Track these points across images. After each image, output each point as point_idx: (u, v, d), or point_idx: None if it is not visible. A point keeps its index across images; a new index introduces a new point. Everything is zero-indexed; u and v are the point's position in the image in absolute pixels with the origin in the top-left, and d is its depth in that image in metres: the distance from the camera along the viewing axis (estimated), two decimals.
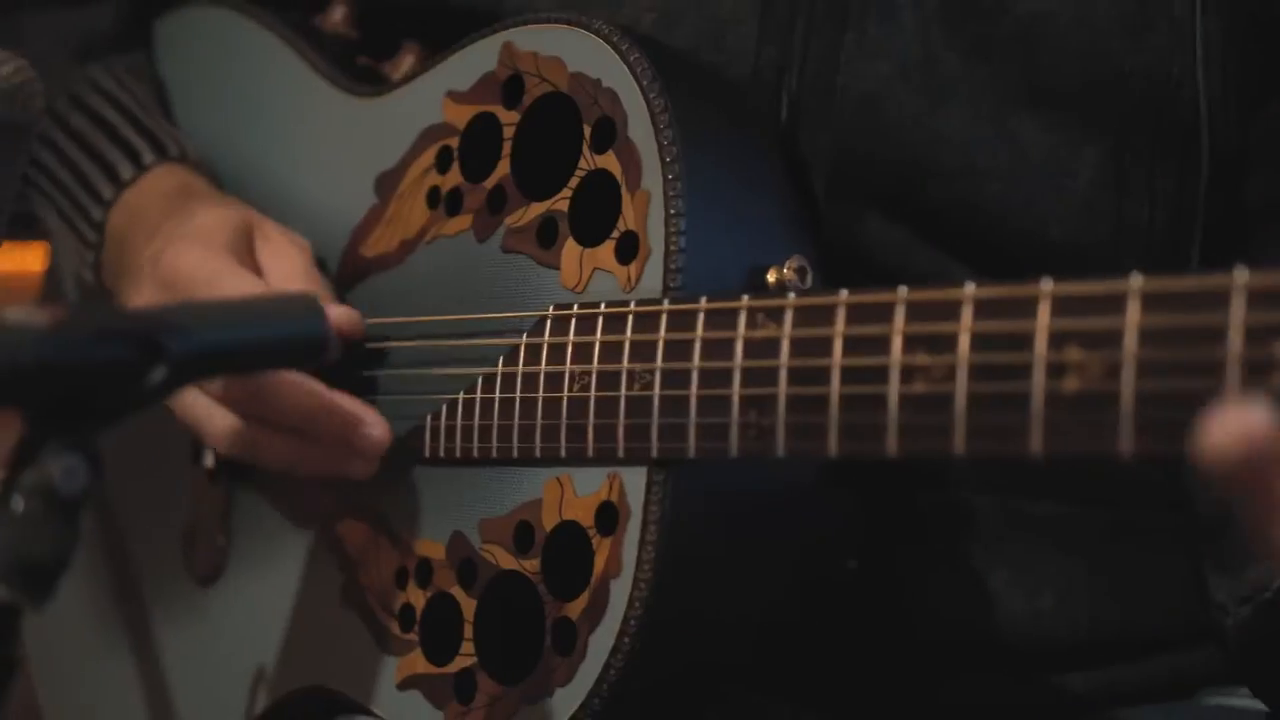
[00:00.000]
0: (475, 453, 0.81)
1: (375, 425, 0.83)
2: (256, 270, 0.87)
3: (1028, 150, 0.81)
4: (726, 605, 0.78)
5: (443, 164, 0.85)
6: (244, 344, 0.69)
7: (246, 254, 0.87)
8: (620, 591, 0.73)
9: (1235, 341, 0.54)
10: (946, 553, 0.86)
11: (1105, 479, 0.87)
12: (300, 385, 0.83)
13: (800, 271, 0.75)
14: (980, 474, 0.85)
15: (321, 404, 0.83)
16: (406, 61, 0.93)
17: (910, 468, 0.85)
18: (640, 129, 0.75)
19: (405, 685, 0.84)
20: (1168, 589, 0.89)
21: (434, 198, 0.85)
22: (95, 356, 0.61)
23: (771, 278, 0.74)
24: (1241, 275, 0.54)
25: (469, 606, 0.81)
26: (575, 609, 0.75)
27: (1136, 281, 0.57)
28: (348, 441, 0.84)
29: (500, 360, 0.80)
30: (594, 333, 0.75)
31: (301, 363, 0.77)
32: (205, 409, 0.85)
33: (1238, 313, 0.54)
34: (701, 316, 0.71)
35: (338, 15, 0.97)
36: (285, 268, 0.86)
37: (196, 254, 0.84)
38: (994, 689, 0.87)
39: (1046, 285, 0.60)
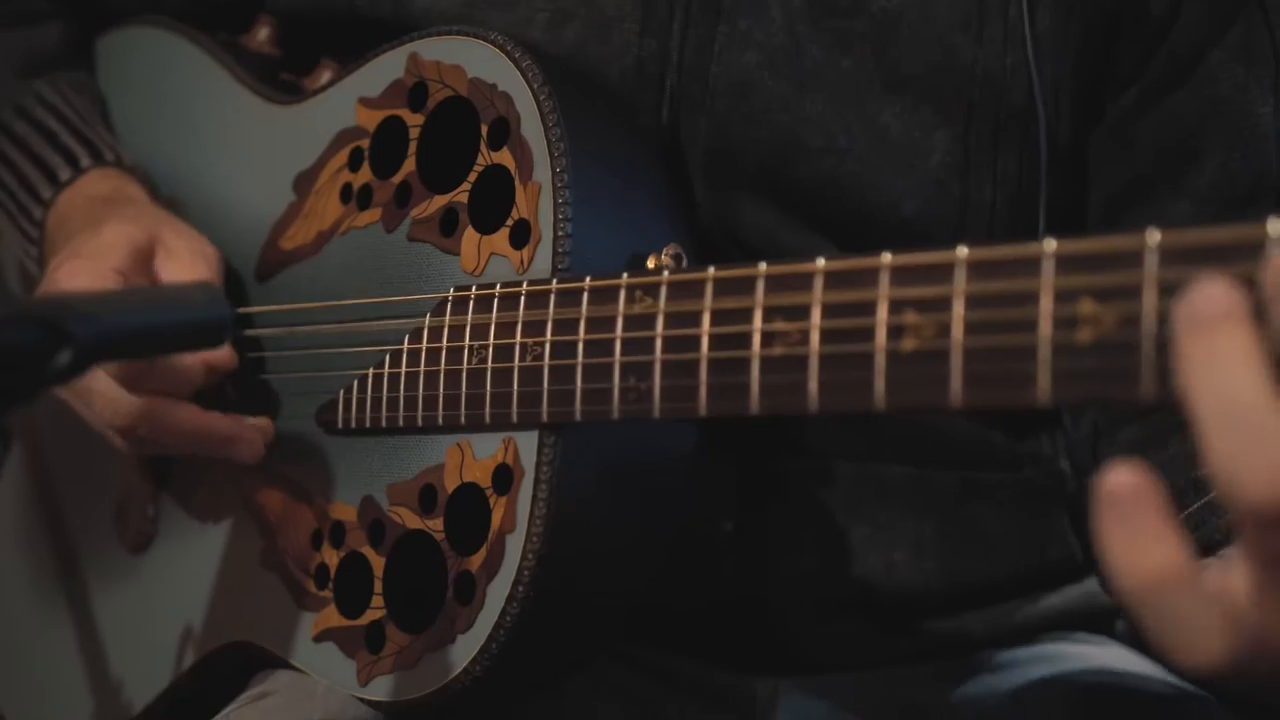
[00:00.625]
0: (384, 422, 0.81)
1: (248, 443, 0.86)
2: (152, 284, 0.87)
3: (885, 133, 0.83)
4: (611, 557, 0.79)
5: (355, 163, 0.86)
6: (146, 328, 0.68)
7: (143, 270, 0.86)
8: (515, 544, 0.75)
9: (1046, 302, 0.56)
10: (812, 514, 0.87)
11: (952, 444, 0.89)
12: (176, 412, 0.84)
13: (676, 258, 0.76)
14: (841, 442, 0.87)
15: (197, 427, 0.85)
16: (324, 76, 0.94)
17: (780, 437, 0.87)
18: (532, 128, 0.77)
19: (320, 638, 0.84)
20: (1011, 543, 0.91)
21: (347, 193, 0.86)
22: (4, 340, 0.61)
23: (651, 263, 0.76)
24: (1050, 244, 0.56)
25: (378, 564, 0.82)
26: (475, 562, 0.76)
27: (963, 252, 0.59)
28: (228, 454, 0.86)
29: (406, 338, 0.80)
30: (490, 311, 0.77)
31: (201, 345, 0.76)
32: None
33: (1048, 276, 0.56)
34: (586, 294, 0.73)
35: (262, 35, 0.98)
36: (184, 279, 0.86)
37: (82, 280, 0.84)
38: (856, 636, 0.89)
39: (886, 258, 0.62)
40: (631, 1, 0.84)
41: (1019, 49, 0.83)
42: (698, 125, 0.84)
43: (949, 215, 0.84)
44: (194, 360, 0.84)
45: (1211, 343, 0.46)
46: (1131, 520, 0.46)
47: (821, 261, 0.64)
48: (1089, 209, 0.87)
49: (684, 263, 0.76)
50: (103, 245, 0.86)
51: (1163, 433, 0.82)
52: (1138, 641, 0.98)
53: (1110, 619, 0.97)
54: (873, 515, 0.87)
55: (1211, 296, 0.46)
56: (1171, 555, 0.45)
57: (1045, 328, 0.56)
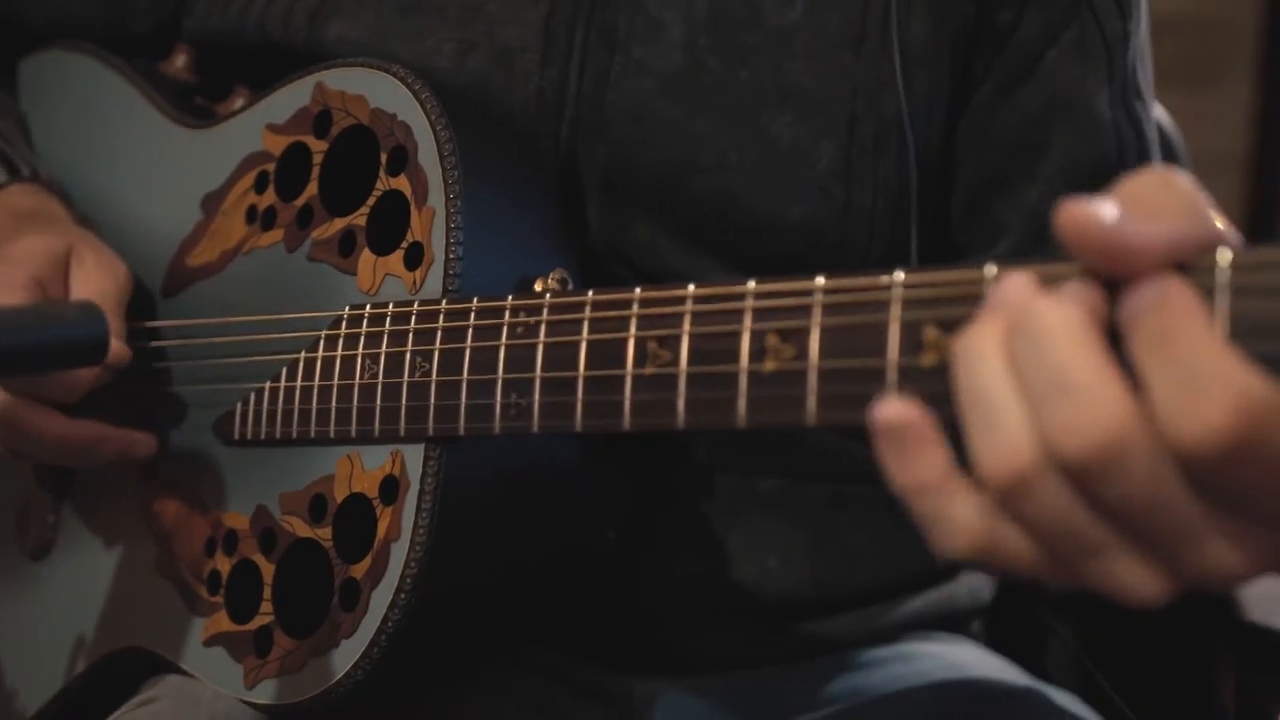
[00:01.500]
0: (278, 435, 0.83)
1: (115, 445, 0.88)
2: (65, 294, 0.88)
3: (775, 143, 0.86)
4: (495, 565, 0.81)
5: (260, 185, 0.88)
6: (25, 345, 0.69)
7: (59, 279, 0.87)
8: (399, 553, 0.76)
9: (894, 330, 0.59)
10: (692, 522, 0.91)
11: (823, 459, 0.92)
12: (37, 419, 0.85)
13: (562, 281, 0.79)
14: (721, 455, 0.90)
15: (61, 434, 0.86)
16: (237, 102, 0.95)
17: (664, 449, 0.89)
18: (428, 156, 0.79)
19: (210, 642, 0.85)
20: (876, 551, 0.95)
21: (252, 214, 0.88)
22: None
23: (538, 286, 0.78)
24: (899, 275, 0.59)
25: (268, 571, 0.83)
26: (360, 570, 0.78)
27: (820, 280, 0.62)
28: (94, 458, 0.88)
29: (302, 353, 0.82)
30: (382, 329, 0.78)
31: (79, 363, 0.77)
32: None
33: (896, 306, 0.59)
34: (473, 314, 0.75)
35: (179, 62, 0.99)
36: (91, 291, 0.87)
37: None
38: (731, 640, 0.93)
39: (750, 284, 0.64)
40: (533, 34, 0.87)
41: (890, 62, 0.87)
42: (596, 151, 0.87)
43: (832, 219, 0.87)
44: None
45: (968, 336, 0.52)
46: (899, 440, 0.53)
47: (692, 287, 0.66)
48: (954, 201, 0.92)
49: (569, 286, 0.79)
50: (24, 252, 0.87)
51: None
52: (992, 640, 1.03)
53: (966, 619, 1.02)
54: (749, 524, 0.91)
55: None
56: (930, 473, 0.52)
57: (893, 352, 0.59)
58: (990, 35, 0.88)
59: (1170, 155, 1.16)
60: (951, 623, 1.01)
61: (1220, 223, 0.51)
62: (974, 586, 1.02)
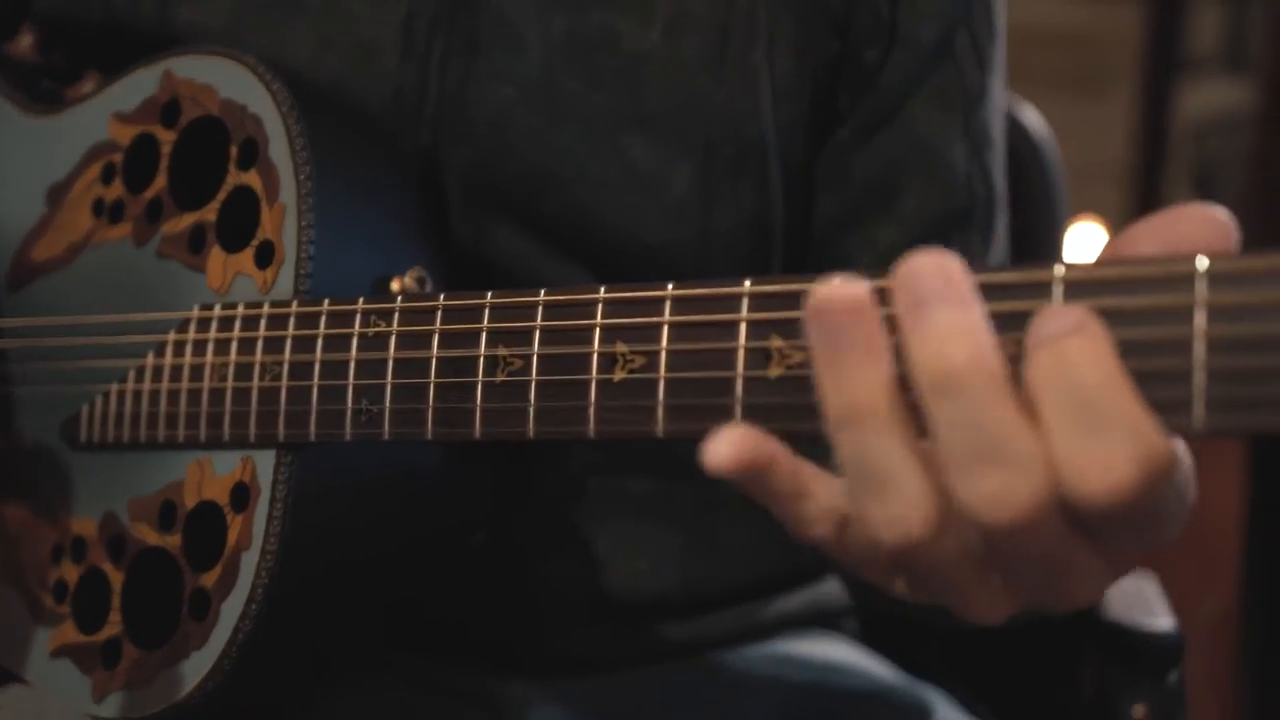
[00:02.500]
0: (126, 438, 0.80)
1: None
2: None
3: (633, 164, 0.85)
4: (351, 574, 0.79)
5: (107, 177, 0.85)
6: None
7: None
8: (249, 562, 0.74)
9: (741, 334, 0.58)
10: (563, 524, 0.89)
11: (693, 460, 0.91)
12: None
13: (420, 281, 0.77)
14: (590, 456, 0.89)
15: None
16: (86, 87, 0.92)
17: (535, 451, 0.88)
18: (279, 150, 0.76)
19: (57, 654, 0.82)
20: (747, 552, 0.94)
21: (99, 207, 0.85)
22: None
23: (395, 286, 0.76)
24: (745, 284, 0.58)
25: (117, 580, 0.80)
26: (210, 579, 0.75)
27: (669, 288, 0.61)
28: None
29: (150, 354, 0.79)
30: (232, 330, 0.76)
31: None
32: None
33: (744, 312, 0.58)
34: (324, 317, 0.73)
35: (25, 42, 0.96)
36: None
37: None
38: (602, 641, 0.92)
39: (601, 291, 0.63)
40: (392, 33, 0.85)
41: (755, 91, 0.86)
42: (457, 154, 0.85)
43: (689, 244, 0.86)
44: None
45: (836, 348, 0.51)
46: (749, 472, 0.53)
47: (542, 293, 0.65)
48: (814, 231, 0.91)
49: (428, 285, 0.77)
50: None
51: None
52: (867, 637, 1.04)
53: (839, 617, 1.02)
54: (619, 526, 0.90)
55: (841, 309, 0.52)
56: (785, 481, 0.53)
57: (740, 362, 0.58)
58: (855, 72, 0.87)
59: (1042, 167, 1.17)
60: (824, 620, 1.01)
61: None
62: (837, 585, 1.02)
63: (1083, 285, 0.50)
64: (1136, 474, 0.45)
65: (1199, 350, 0.47)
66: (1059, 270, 0.51)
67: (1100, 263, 0.50)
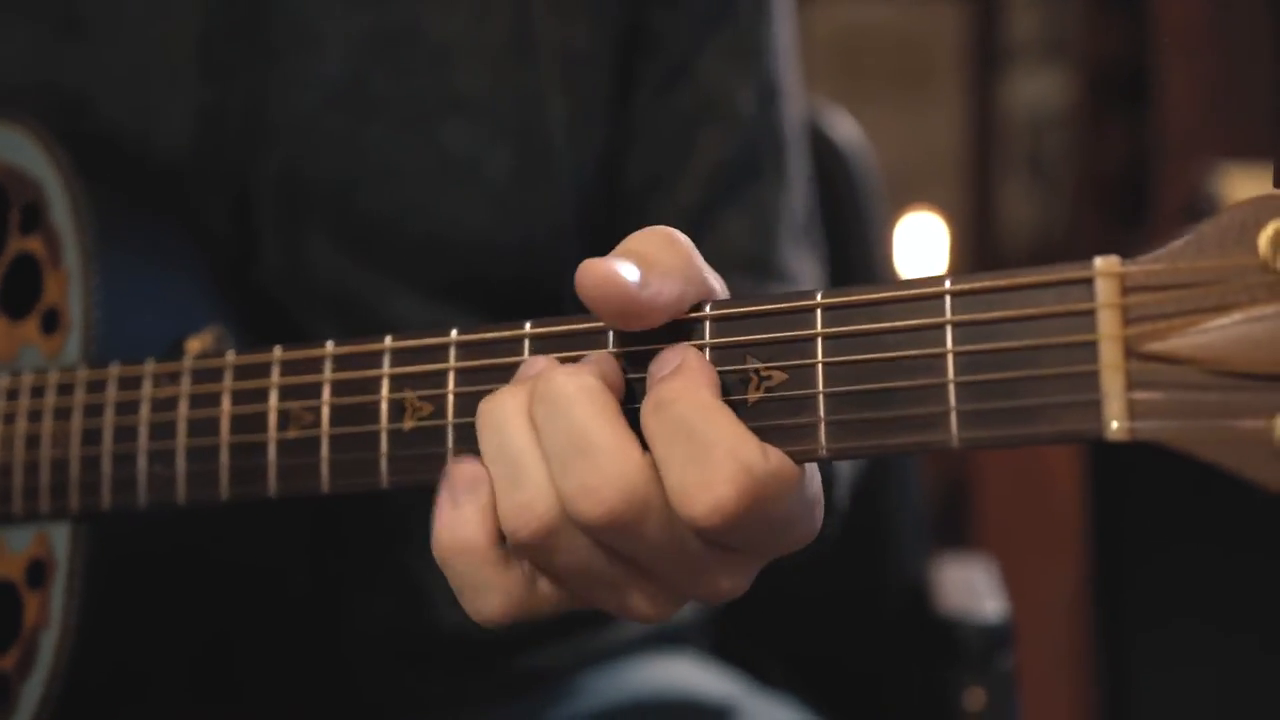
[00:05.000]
0: None
1: None
2: None
3: (448, 152, 0.85)
4: (163, 639, 0.78)
5: None
6: None
7: None
8: (49, 642, 0.72)
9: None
10: (383, 566, 0.89)
11: None
12: None
13: (220, 339, 0.76)
14: (409, 497, 0.88)
15: None
16: None
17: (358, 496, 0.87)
18: (61, 214, 0.75)
19: None
20: None
21: None
22: None
23: (193, 346, 0.75)
24: (528, 326, 0.59)
25: None
26: (8, 662, 0.74)
27: (454, 334, 0.61)
28: None
29: None
30: (17, 401, 0.74)
31: None
32: None
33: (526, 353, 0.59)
34: (112, 383, 0.71)
35: None
36: None
37: None
38: (439, 681, 0.91)
39: (388, 340, 0.63)
40: (188, 54, 0.84)
41: (557, 66, 0.87)
42: (264, 167, 0.84)
43: (510, 228, 0.87)
44: None
45: (491, 400, 0.55)
46: (457, 499, 0.56)
47: (330, 345, 0.65)
48: (622, 198, 0.92)
49: (226, 341, 0.76)
50: None
51: None
52: (718, 651, 1.05)
53: (684, 635, 1.03)
54: None
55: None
56: (475, 534, 0.55)
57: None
58: (644, 38, 0.90)
59: (844, 168, 1.20)
60: (670, 639, 1.02)
61: (712, 279, 0.55)
62: (691, 606, 1.04)
63: (841, 309, 0.52)
64: (734, 492, 0.49)
65: (949, 368, 0.49)
66: (818, 296, 0.53)
67: (852, 289, 0.52)
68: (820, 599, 1.20)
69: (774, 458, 0.51)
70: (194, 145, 0.84)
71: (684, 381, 0.52)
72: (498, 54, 0.86)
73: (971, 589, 1.19)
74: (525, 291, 0.87)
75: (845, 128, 1.26)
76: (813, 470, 0.55)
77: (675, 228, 0.91)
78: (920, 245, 2.89)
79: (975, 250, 3.05)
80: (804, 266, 0.94)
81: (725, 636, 1.10)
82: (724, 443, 0.50)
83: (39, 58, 0.85)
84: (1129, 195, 2.89)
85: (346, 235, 0.85)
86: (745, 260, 0.91)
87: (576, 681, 0.95)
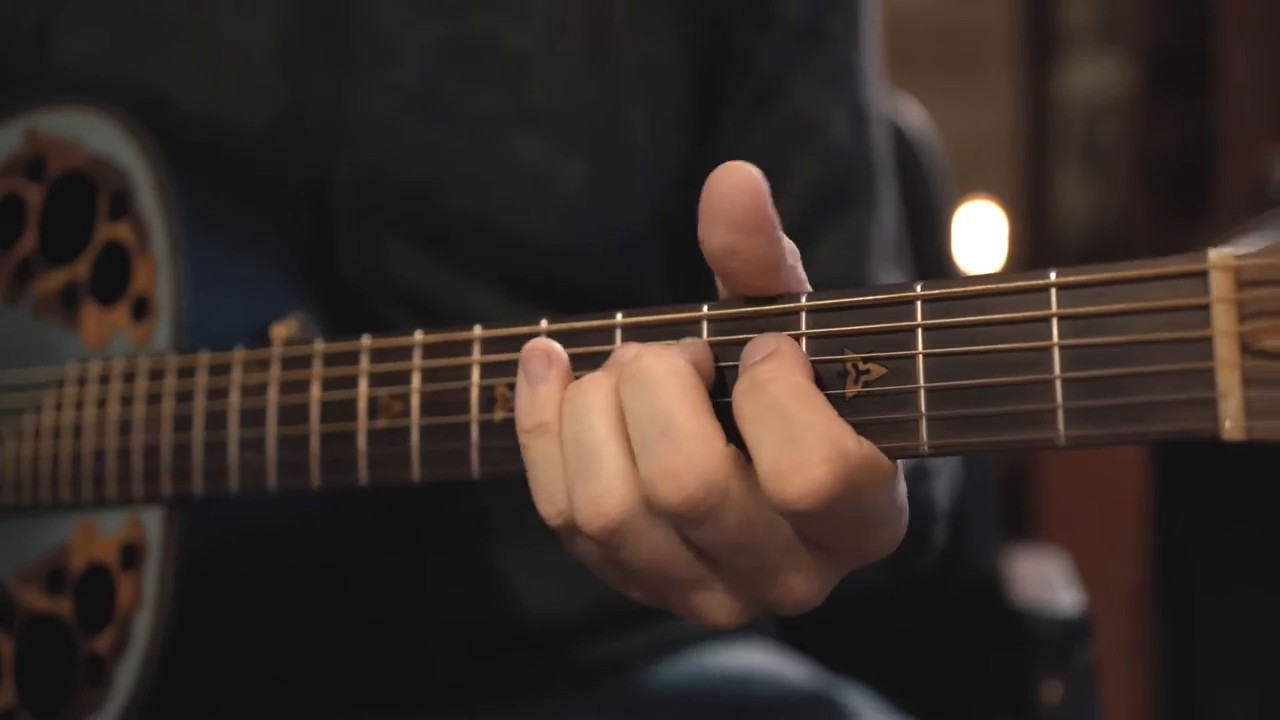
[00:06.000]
0: (7, 502, 0.79)
1: None
2: None
3: (524, 164, 0.86)
4: (248, 625, 0.79)
5: None
6: None
7: None
8: (143, 623, 0.73)
9: None
10: (460, 556, 0.89)
11: None
12: None
13: (305, 326, 0.76)
14: (484, 488, 0.89)
15: None
16: None
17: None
18: (149, 203, 0.76)
19: None
20: None
21: None
22: None
23: (277, 333, 0.76)
24: (618, 316, 0.59)
25: (7, 649, 0.79)
26: (103, 643, 0.75)
27: (543, 324, 0.61)
28: None
29: (24, 416, 0.78)
30: (110, 386, 0.75)
31: None
32: None
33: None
34: (203, 370, 0.72)
35: None
36: None
37: None
38: (510, 669, 0.92)
39: (478, 330, 0.63)
40: (266, 54, 0.85)
41: (637, 82, 0.87)
42: (341, 172, 0.85)
43: (585, 241, 0.87)
44: None
45: (577, 387, 0.56)
46: (534, 375, 0.57)
47: (419, 334, 0.65)
48: None
49: (311, 329, 0.76)
50: None
51: None
52: (789, 639, 1.05)
53: (756, 624, 1.03)
54: (522, 554, 0.90)
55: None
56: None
57: None
58: (734, 56, 0.89)
59: (919, 165, 1.19)
60: (742, 629, 1.02)
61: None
62: None
63: (941, 300, 0.52)
64: (829, 474, 0.49)
65: (1056, 363, 0.49)
66: (918, 288, 0.53)
67: (956, 280, 0.52)
68: (891, 589, 1.20)
69: (867, 446, 0.51)
70: (271, 145, 0.84)
71: (779, 364, 0.52)
72: (574, 65, 0.86)
73: (1046, 581, 1.18)
74: (602, 294, 0.88)
75: (913, 116, 1.25)
76: (900, 475, 0.54)
77: None
78: (977, 235, 2.87)
79: (1030, 239, 3.03)
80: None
81: (794, 626, 1.09)
82: (818, 426, 0.50)
83: (119, 54, 0.86)
84: (1186, 182, 2.86)
85: (425, 235, 0.86)
86: (837, 284, 0.91)
87: (649, 671, 0.96)
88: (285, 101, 0.84)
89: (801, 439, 0.50)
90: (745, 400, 0.51)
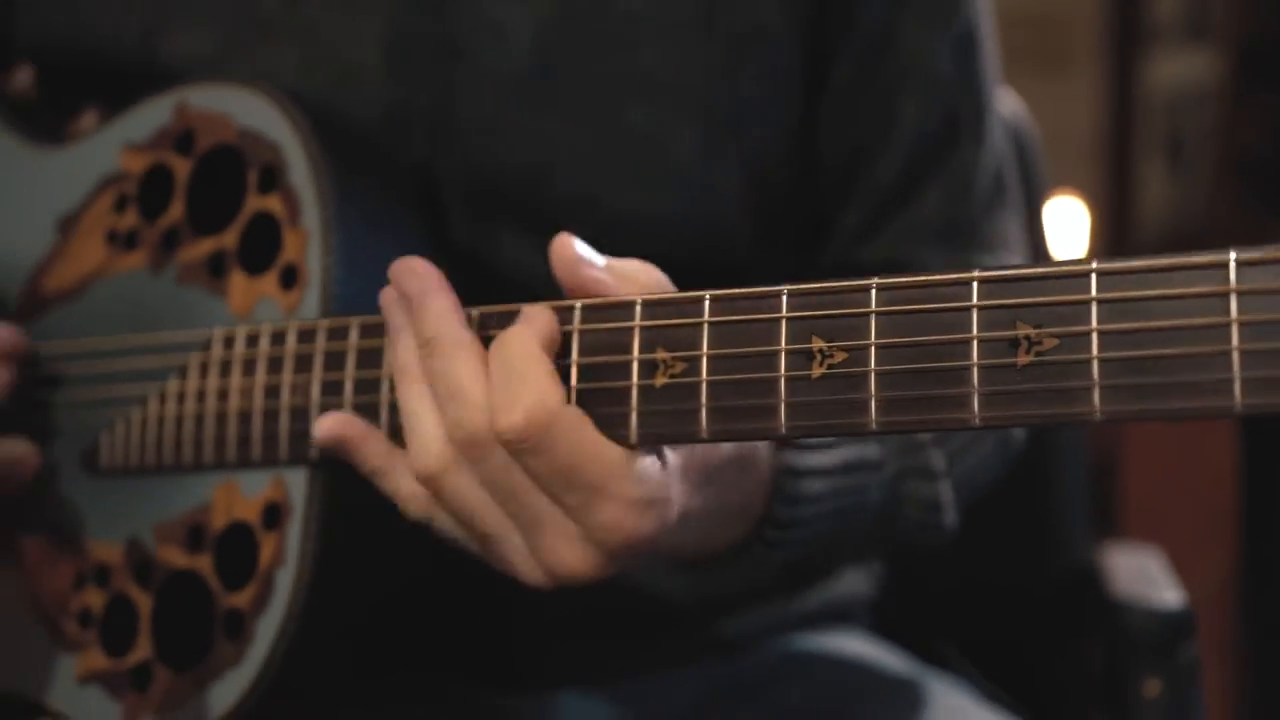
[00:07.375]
0: (149, 463, 0.82)
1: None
2: None
3: (633, 134, 0.87)
4: (380, 588, 0.82)
5: (120, 206, 0.87)
6: None
7: None
8: (284, 580, 0.77)
9: (783, 339, 0.62)
10: None
11: None
12: None
13: None
14: None
15: None
16: (88, 119, 0.94)
17: None
18: (299, 176, 0.79)
19: (86, 681, 0.84)
20: None
21: (112, 236, 0.87)
22: None
23: None
24: (783, 289, 0.62)
25: (145, 604, 0.82)
26: (244, 599, 0.78)
27: (708, 291, 0.64)
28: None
29: (171, 378, 0.82)
30: (257, 351, 0.78)
31: None
32: None
33: (784, 314, 0.61)
34: (353, 332, 0.75)
35: (21, 77, 0.97)
36: None
37: None
38: (617, 647, 0.94)
39: (638, 295, 0.66)
40: (374, 51, 0.87)
41: (743, 44, 0.88)
42: (453, 165, 0.87)
43: (696, 208, 0.88)
44: None
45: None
46: (343, 446, 0.73)
47: (579, 303, 0.68)
48: (822, 179, 0.93)
49: None
50: None
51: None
52: (884, 630, 1.08)
53: (849, 613, 1.05)
54: None
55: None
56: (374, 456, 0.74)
57: (782, 363, 0.62)
58: (839, 12, 0.90)
59: (1019, 150, 1.20)
60: (839, 616, 1.04)
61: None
62: (852, 583, 1.05)
63: (1114, 275, 0.55)
64: (524, 418, 0.65)
65: (1234, 335, 0.51)
66: (1093, 264, 0.55)
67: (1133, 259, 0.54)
68: (987, 582, 1.21)
69: (574, 409, 0.66)
70: (381, 140, 0.86)
71: (521, 329, 0.68)
72: (683, 30, 0.87)
73: (1145, 575, 1.19)
74: (704, 265, 0.89)
75: (1011, 104, 1.26)
76: (649, 472, 0.66)
77: (874, 201, 0.94)
78: (1060, 229, 2.87)
79: (1114, 234, 3.02)
80: (1000, 226, 0.95)
81: (891, 616, 1.11)
82: (532, 380, 0.66)
83: (225, 57, 0.88)
84: (1271, 178, 2.85)
85: (536, 219, 0.87)
86: (943, 226, 0.93)
87: (750, 654, 0.98)
88: (394, 99, 0.86)
89: (519, 386, 0.65)
90: (491, 352, 0.67)
